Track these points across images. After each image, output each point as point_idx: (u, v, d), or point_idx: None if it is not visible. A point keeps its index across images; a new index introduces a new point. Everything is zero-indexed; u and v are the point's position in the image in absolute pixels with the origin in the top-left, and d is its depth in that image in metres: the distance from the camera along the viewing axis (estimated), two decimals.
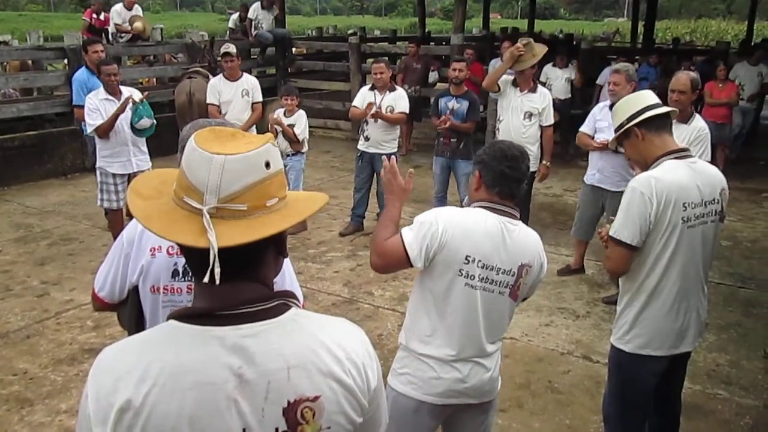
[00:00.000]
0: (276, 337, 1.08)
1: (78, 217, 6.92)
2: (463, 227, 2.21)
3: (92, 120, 5.36)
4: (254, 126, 6.55)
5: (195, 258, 1.09)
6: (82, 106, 5.66)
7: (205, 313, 1.08)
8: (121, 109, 5.31)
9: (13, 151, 8.03)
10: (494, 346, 2.33)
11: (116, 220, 5.64)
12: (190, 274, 1.87)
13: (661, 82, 9.03)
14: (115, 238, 5.67)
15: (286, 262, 1.57)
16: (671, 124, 2.67)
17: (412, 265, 2.23)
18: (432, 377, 2.26)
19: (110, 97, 5.42)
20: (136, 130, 5.44)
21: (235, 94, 6.59)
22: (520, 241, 2.26)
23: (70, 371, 3.97)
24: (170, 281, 1.93)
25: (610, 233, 2.57)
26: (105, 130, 5.36)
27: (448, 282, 2.22)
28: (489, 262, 2.21)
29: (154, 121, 5.51)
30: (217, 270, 1.03)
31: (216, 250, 1.03)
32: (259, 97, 6.77)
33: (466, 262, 2.19)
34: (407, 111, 6.28)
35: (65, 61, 8.95)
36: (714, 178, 2.60)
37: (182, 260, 1.88)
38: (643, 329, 2.61)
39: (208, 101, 6.66)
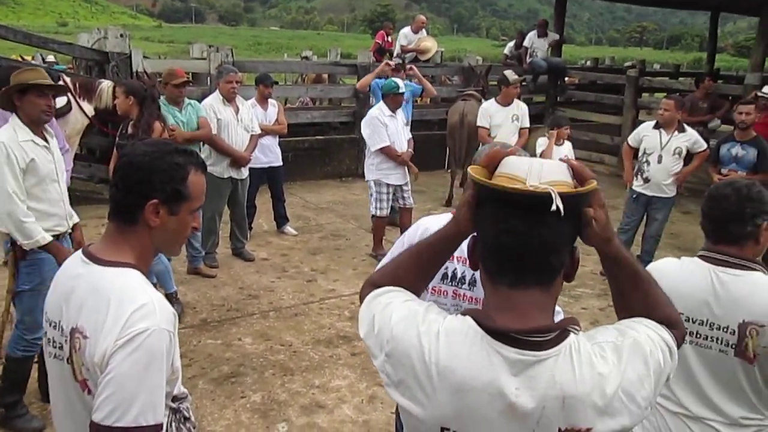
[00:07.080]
0: (555, 365, 1.12)
1: (347, 217, 7.63)
2: (666, 281, 2.06)
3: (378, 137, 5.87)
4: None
5: (503, 255, 1.18)
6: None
7: (502, 330, 1.15)
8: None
9: (302, 152, 9.13)
10: (741, 412, 2.03)
11: (380, 226, 6.12)
12: (457, 279, 2.00)
13: None
14: (375, 241, 6.18)
15: None
16: None
17: None
18: (660, 425, 2.14)
19: None
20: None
21: (505, 118, 6.78)
22: (740, 294, 1.97)
23: (326, 352, 4.40)
24: (439, 283, 2.04)
25: None
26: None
27: None
28: (696, 316, 2.03)
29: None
30: (560, 204, 1.11)
31: (556, 195, 1.11)
32: (527, 123, 6.89)
33: None
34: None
35: (356, 77, 9.92)
36: None
37: (453, 265, 2.00)
38: None
39: (478, 123, 6.93)
